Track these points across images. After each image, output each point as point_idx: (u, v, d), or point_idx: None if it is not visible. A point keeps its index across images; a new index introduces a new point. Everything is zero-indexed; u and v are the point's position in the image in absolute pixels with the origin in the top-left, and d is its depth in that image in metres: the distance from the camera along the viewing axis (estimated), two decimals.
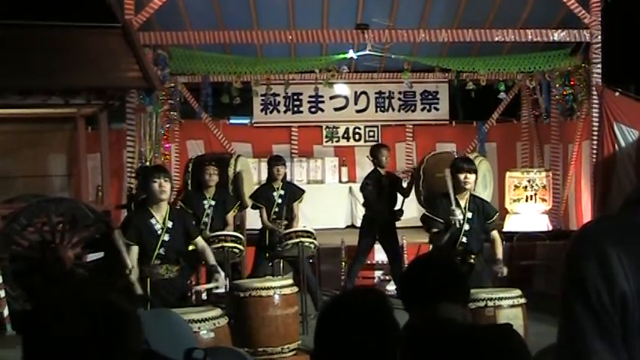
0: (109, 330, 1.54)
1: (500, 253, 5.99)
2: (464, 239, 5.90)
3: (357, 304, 2.25)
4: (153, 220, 5.41)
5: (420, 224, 6.68)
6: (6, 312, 7.01)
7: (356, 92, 12.92)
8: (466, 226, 5.91)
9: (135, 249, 5.34)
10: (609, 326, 1.14)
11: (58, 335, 1.52)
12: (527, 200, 10.52)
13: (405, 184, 8.53)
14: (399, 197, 8.35)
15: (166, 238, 5.38)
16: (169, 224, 5.42)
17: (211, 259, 5.58)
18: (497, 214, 6.29)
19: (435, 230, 6.01)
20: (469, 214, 5.97)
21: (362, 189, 8.42)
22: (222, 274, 5.57)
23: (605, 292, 1.14)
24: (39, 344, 1.53)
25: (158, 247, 5.36)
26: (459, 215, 5.90)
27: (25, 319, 1.60)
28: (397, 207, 8.24)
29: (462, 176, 5.96)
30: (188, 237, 5.54)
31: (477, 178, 6.28)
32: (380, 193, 8.23)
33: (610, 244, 1.17)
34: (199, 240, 5.63)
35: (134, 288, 5.10)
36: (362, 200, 8.57)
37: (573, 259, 1.22)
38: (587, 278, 1.16)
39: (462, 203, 5.99)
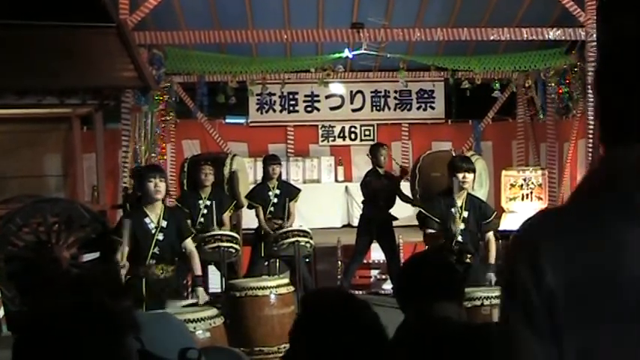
0: (95, 330, 1.53)
1: (493, 257, 5.96)
2: (460, 238, 5.90)
3: (322, 306, 2.24)
4: (147, 220, 5.41)
5: (416, 223, 6.69)
6: (1, 313, 7.00)
7: (352, 91, 12.91)
8: (462, 225, 5.92)
9: (126, 248, 5.33)
10: (539, 323, 1.12)
11: (44, 336, 1.52)
12: (523, 199, 10.51)
13: (402, 184, 8.56)
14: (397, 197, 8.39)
15: (160, 237, 5.39)
16: (163, 223, 5.42)
17: (197, 269, 5.58)
18: (495, 214, 6.29)
19: (430, 231, 6.01)
20: (465, 213, 5.98)
21: (361, 187, 8.45)
22: (204, 296, 5.56)
23: (533, 290, 1.12)
24: (27, 344, 1.52)
25: (152, 246, 5.36)
26: (458, 226, 5.89)
27: (15, 320, 1.60)
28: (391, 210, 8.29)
29: (460, 175, 5.97)
30: (181, 236, 5.54)
31: (475, 177, 6.29)
32: (378, 192, 8.24)
33: (545, 239, 1.15)
34: (189, 243, 5.62)
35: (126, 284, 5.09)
36: (359, 199, 8.58)
37: (507, 257, 1.20)
38: (518, 278, 1.14)
39: (459, 202, 6.00)
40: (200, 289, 5.51)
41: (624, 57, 1.18)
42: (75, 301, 1.63)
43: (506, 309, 1.18)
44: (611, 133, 1.23)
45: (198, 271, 5.60)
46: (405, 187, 8.73)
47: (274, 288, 5.99)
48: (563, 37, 9.92)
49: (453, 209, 5.92)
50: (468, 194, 6.10)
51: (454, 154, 7.75)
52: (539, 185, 10.58)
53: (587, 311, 1.10)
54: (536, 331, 1.12)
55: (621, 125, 1.20)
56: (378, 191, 8.24)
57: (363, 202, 8.54)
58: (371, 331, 2.17)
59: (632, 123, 1.18)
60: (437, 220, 5.95)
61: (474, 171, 6.17)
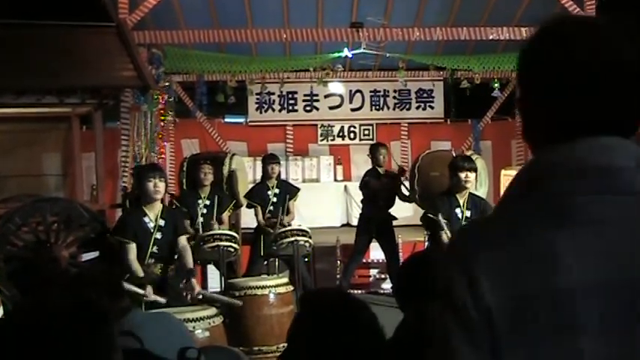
0: (82, 329, 1.53)
1: None
2: None
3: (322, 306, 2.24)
4: (146, 219, 5.43)
5: (415, 222, 6.69)
6: (1, 312, 6.99)
7: (351, 91, 12.91)
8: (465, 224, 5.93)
9: (133, 247, 5.35)
10: (477, 337, 1.09)
11: (28, 331, 1.52)
12: None
13: (405, 187, 8.56)
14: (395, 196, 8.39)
15: (159, 236, 5.41)
16: (161, 222, 5.44)
17: (189, 262, 5.58)
18: None
19: (439, 230, 5.97)
20: (468, 213, 5.99)
21: (361, 187, 8.45)
22: (198, 287, 5.57)
23: (470, 303, 1.09)
24: (12, 342, 1.52)
25: (151, 245, 5.37)
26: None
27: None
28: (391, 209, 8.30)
29: (462, 175, 5.98)
30: (176, 233, 5.55)
31: (476, 177, 6.30)
32: (378, 191, 8.24)
33: (478, 252, 1.12)
34: (183, 239, 5.63)
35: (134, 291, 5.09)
36: (358, 198, 8.59)
37: (442, 272, 1.17)
38: (454, 289, 1.11)
39: (461, 202, 6.01)
40: (193, 280, 5.51)
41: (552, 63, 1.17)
42: (62, 297, 1.63)
43: (443, 320, 1.13)
44: (537, 134, 1.21)
45: (190, 265, 5.61)
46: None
47: (273, 287, 5.99)
48: None
49: (457, 209, 5.94)
50: (470, 193, 6.12)
51: (455, 154, 7.75)
52: None
53: (526, 327, 1.08)
54: (475, 348, 1.09)
55: (548, 126, 1.19)
56: (378, 191, 8.24)
57: (362, 202, 8.54)
58: (369, 331, 2.17)
59: (559, 124, 1.17)
60: (443, 220, 5.95)
61: (475, 170, 6.18)
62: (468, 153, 9.29)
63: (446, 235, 5.89)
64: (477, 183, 8.33)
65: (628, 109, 1.17)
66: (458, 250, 1.16)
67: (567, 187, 1.12)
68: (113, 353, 1.57)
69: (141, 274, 5.25)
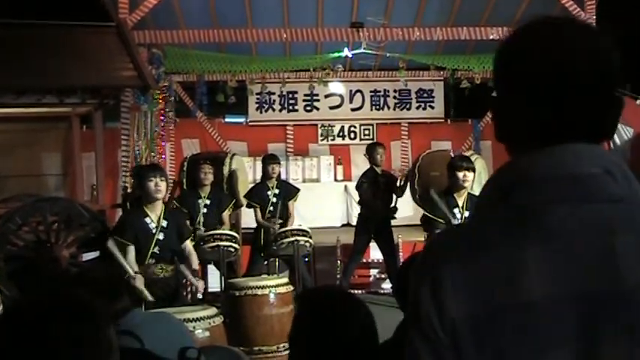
0: (72, 328, 1.54)
1: None
2: None
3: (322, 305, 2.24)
4: (147, 219, 5.41)
5: (414, 222, 6.69)
6: (0, 311, 7.00)
7: (351, 91, 12.91)
8: None
9: (132, 249, 5.34)
10: (443, 353, 1.07)
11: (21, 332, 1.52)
12: None
13: (399, 183, 8.55)
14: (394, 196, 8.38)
15: (161, 237, 5.39)
16: (164, 223, 5.43)
17: (195, 264, 5.65)
18: None
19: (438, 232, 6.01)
20: (467, 213, 5.99)
21: (358, 187, 8.44)
22: (201, 282, 5.61)
23: (435, 317, 1.07)
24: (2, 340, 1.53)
25: (152, 246, 5.36)
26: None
27: None
28: (392, 204, 8.26)
29: (460, 174, 5.99)
30: (181, 237, 5.55)
31: (474, 177, 6.30)
32: (376, 191, 8.24)
33: (445, 264, 1.09)
34: (188, 244, 5.66)
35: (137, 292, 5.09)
36: (357, 198, 8.58)
37: (412, 279, 1.14)
38: (421, 302, 1.09)
39: (460, 202, 6.02)
40: (198, 280, 5.61)
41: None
42: (54, 296, 1.64)
43: (411, 334, 1.12)
44: (512, 134, 1.19)
45: (195, 266, 5.65)
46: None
47: (274, 287, 5.98)
48: None
49: (455, 209, 5.95)
50: (469, 193, 6.12)
51: (452, 155, 7.76)
52: None
53: (492, 343, 1.05)
54: (437, 357, 1.07)
55: (522, 127, 1.16)
56: (376, 191, 8.24)
57: (359, 203, 8.53)
58: (365, 329, 2.18)
59: (533, 126, 1.14)
60: (441, 221, 5.96)
61: (473, 170, 6.19)
62: (469, 153, 9.29)
63: None
64: (477, 183, 8.33)
65: (600, 113, 1.14)
66: (427, 261, 1.13)
67: (538, 196, 1.09)
68: (107, 353, 1.57)
69: (140, 281, 5.23)
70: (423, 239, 6.48)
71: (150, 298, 5.11)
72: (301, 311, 2.29)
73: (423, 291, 1.09)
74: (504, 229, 1.09)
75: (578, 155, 1.10)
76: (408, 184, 8.41)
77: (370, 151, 8.44)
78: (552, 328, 1.05)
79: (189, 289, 5.71)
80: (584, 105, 1.12)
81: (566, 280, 1.05)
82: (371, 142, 10.58)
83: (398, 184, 8.55)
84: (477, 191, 7.33)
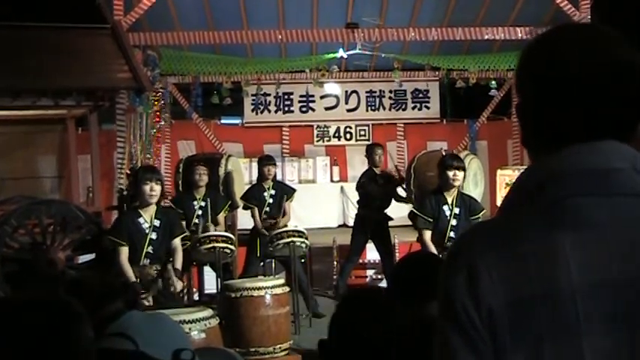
0: (56, 329, 1.54)
1: None
2: (452, 234, 5.95)
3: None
4: (141, 220, 5.44)
5: (411, 223, 6.69)
6: None
7: (346, 91, 12.92)
8: (454, 222, 5.98)
9: (125, 250, 5.34)
10: (479, 344, 1.10)
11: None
12: None
13: (401, 189, 8.56)
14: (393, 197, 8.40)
15: (154, 236, 5.42)
16: (156, 223, 5.45)
17: (178, 263, 5.61)
18: (484, 211, 6.32)
19: (424, 228, 6.02)
20: (457, 210, 6.03)
21: (357, 187, 8.46)
22: (180, 283, 5.63)
23: (472, 308, 1.10)
24: None
25: (146, 245, 5.38)
26: (450, 224, 5.96)
27: None
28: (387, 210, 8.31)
29: (450, 173, 6.02)
30: (171, 234, 5.56)
31: (465, 176, 6.32)
32: (374, 192, 8.25)
33: (481, 255, 1.13)
34: (177, 241, 5.66)
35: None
36: (354, 199, 8.60)
37: (443, 274, 1.16)
38: (456, 296, 1.12)
39: (450, 200, 6.05)
40: (177, 280, 5.57)
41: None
42: (37, 297, 1.65)
43: (444, 327, 1.13)
44: (536, 139, 1.23)
45: (179, 266, 5.64)
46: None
47: (270, 288, 5.98)
48: None
49: (445, 207, 5.99)
50: (459, 192, 6.17)
51: (444, 153, 7.77)
52: None
53: (529, 329, 1.09)
54: (473, 350, 1.10)
55: (547, 133, 1.21)
56: (374, 191, 8.25)
57: (358, 203, 8.54)
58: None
59: (557, 131, 1.19)
60: (429, 219, 5.98)
61: (464, 169, 6.23)
62: (464, 153, 9.30)
63: (429, 233, 5.94)
64: (473, 183, 8.36)
65: (624, 114, 1.18)
66: (461, 252, 1.17)
67: (568, 191, 1.14)
68: (84, 355, 1.58)
69: (131, 275, 5.25)
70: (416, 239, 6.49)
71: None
72: (338, 312, 2.30)
73: (457, 281, 1.13)
74: (537, 221, 1.14)
75: (605, 152, 1.15)
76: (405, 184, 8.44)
77: (369, 152, 8.47)
78: (588, 314, 1.09)
79: (172, 288, 5.68)
80: (614, 108, 1.17)
81: (600, 268, 1.10)
82: (368, 142, 10.59)
83: (402, 192, 8.54)
84: (472, 192, 7.36)
